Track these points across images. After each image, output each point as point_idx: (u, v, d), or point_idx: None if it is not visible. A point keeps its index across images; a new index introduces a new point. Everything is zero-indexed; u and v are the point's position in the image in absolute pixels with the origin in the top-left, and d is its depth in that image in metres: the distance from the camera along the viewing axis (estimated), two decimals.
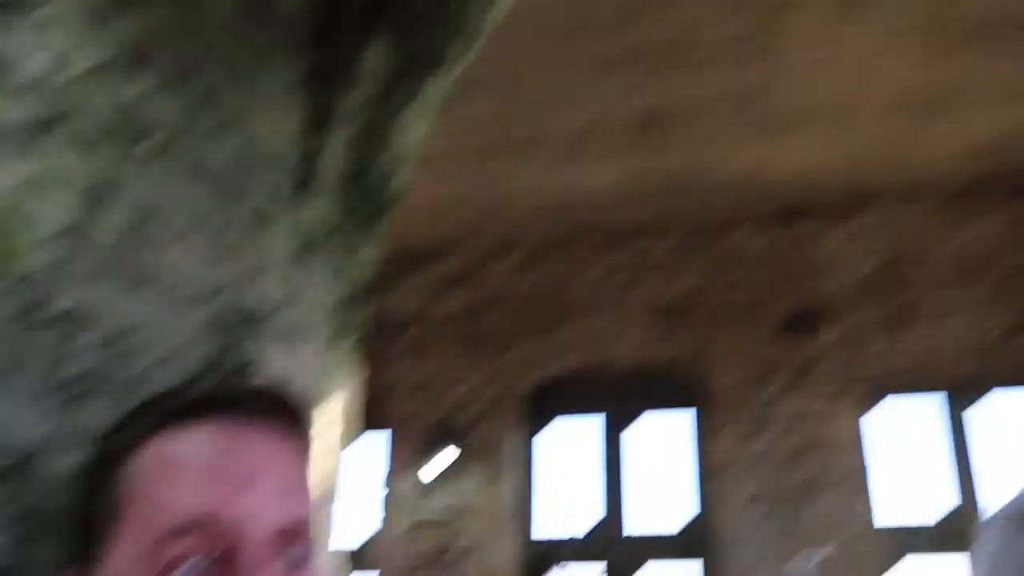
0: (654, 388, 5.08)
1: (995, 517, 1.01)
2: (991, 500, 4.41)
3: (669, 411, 5.06)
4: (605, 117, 4.13)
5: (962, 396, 4.70)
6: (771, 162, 4.51)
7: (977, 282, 4.63)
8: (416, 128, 2.10)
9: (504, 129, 4.23)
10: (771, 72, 3.77)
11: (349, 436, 1.82)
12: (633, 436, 5.04)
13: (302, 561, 0.66)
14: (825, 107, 4.02)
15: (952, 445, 4.58)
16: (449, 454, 4.90)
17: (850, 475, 4.39)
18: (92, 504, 0.68)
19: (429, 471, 4.91)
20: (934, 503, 4.51)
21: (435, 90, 2.11)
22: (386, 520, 4.96)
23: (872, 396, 4.70)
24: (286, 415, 0.72)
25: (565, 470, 5.24)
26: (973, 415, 4.64)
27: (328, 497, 1.55)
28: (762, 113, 4.05)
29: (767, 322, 4.80)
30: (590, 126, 4.21)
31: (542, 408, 5.21)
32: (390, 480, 5.03)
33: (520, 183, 4.74)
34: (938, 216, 4.78)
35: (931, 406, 4.72)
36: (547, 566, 4.79)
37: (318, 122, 1.60)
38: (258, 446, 0.68)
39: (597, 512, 4.84)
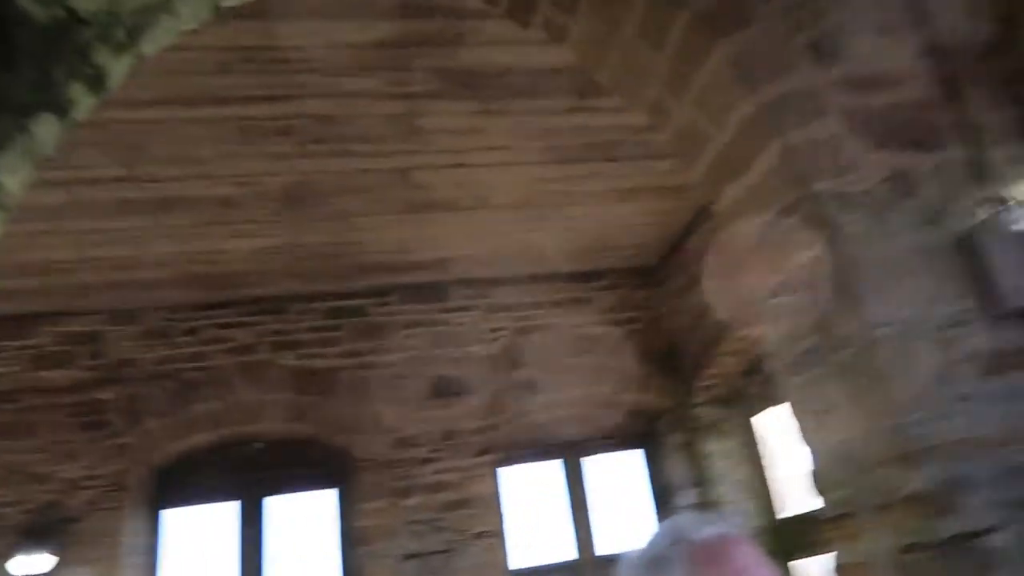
0: (298, 461, 4.94)
1: (629, 561, 1.13)
2: (608, 545, 5.07)
3: (315, 483, 4.95)
4: (251, 186, 4.02)
5: (577, 456, 5.34)
6: (415, 241, 4.76)
7: (588, 356, 5.33)
8: (15, 175, 1.84)
9: (138, 188, 3.88)
10: (417, 156, 4.00)
11: None
12: (276, 512, 4.82)
13: None
14: (463, 194, 4.37)
15: (570, 498, 5.22)
16: (52, 546, 4.19)
17: (490, 528, 4.74)
18: None
19: (24, 568, 4.14)
20: (559, 548, 5.08)
21: (47, 135, 1.88)
22: None
23: (507, 457, 5.13)
24: None
25: (198, 556, 4.79)
26: (587, 472, 5.30)
27: None
28: (407, 194, 4.28)
29: (412, 390, 4.98)
30: (234, 194, 4.06)
31: (170, 489, 4.74)
32: None
33: (152, 247, 4.37)
34: (559, 297, 5.45)
35: (554, 464, 5.31)
36: None
37: None
38: None
39: None
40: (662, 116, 2.25)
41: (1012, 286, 1.70)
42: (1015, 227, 1.73)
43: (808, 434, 1.93)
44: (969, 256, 1.76)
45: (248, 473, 4.84)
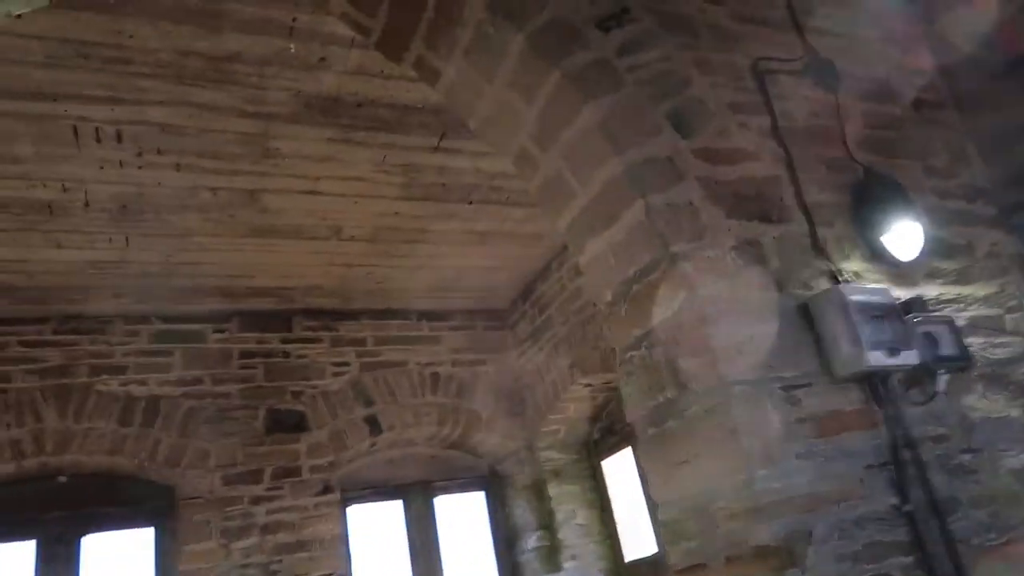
0: (112, 497, 4.49)
1: None
2: None
3: (132, 522, 4.52)
4: (78, 192, 3.65)
5: (423, 496, 5.25)
6: (259, 266, 4.53)
7: (435, 395, 5.25)
8: None
9: None
10: (268, 179, 3.81)
11: None
12: (92, 551, 4.34)
13: None
14: (315, 222, 4.21)
15: (417, 540, 5.10)
16: None
17: (331, 571, 4.53)
18: None
19: None
20: None
21: None
22: None
23: (351, 496, 4.96)
24: None
25: None
26: (431, 513, 5.19)
27: None
28: (254, 217, 4.06)
29: (248, 423, 4.68)
30: (57, 199, 3.67)
31: None
32: None
33: None
34: (408, 334, 5.35)
35: (397, 504, 5.19)
36: None
37: None
38: None
39: None
40: (528, 166, 2.26)
41: (846, 354, 1.83)
42: (848, 299, 1.87)
43: (659, 485, 1.97)
44: (810, 323, 1.88)
45: (52, 510, 4.33)
